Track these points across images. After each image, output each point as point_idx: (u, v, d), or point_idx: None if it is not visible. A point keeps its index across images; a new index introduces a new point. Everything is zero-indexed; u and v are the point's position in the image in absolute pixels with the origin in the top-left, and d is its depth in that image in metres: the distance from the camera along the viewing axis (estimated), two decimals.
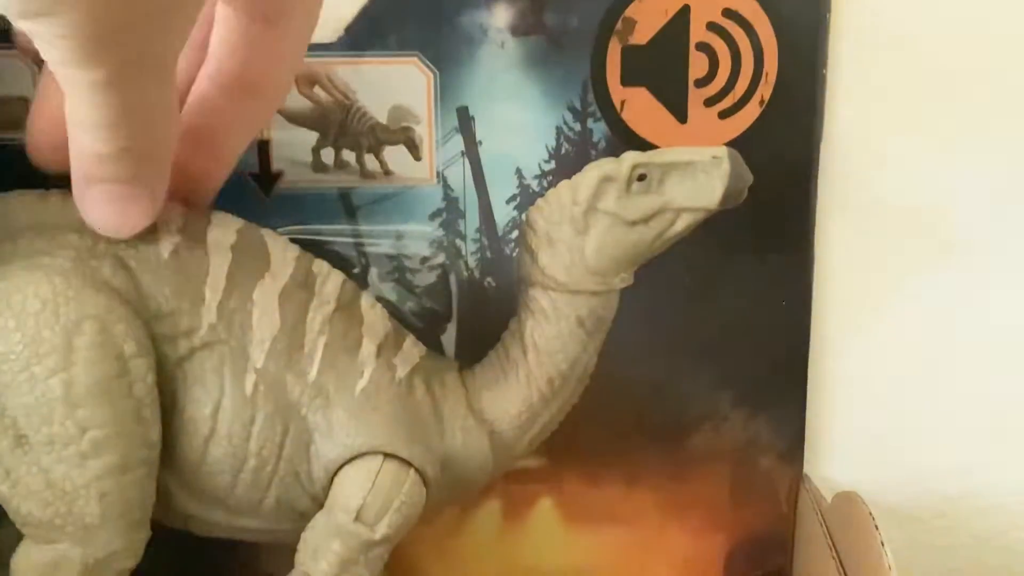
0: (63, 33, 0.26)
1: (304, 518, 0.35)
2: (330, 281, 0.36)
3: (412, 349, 0.37)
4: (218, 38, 0.33)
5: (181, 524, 0.35)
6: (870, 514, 0.38)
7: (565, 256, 0.35)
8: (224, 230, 0.34)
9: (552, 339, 0.36)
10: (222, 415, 0.33)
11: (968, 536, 0.49)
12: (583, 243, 0.35)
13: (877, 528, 0.38)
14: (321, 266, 0.36)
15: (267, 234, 0.35)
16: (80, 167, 0.31)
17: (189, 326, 0.33)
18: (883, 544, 0.37)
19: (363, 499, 0.34)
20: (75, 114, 0.29)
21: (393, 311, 0.42)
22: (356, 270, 0.42)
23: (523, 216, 0.37)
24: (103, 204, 0.31)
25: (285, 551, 0.35)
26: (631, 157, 0.35)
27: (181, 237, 0.33)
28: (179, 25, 0.28)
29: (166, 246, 0.33)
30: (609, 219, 0.35)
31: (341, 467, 0.34)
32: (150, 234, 0.33)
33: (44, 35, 0.26)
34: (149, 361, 0.32)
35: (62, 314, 0.30)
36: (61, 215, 0.32)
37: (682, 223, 0.35)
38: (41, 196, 0.33)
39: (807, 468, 0.45)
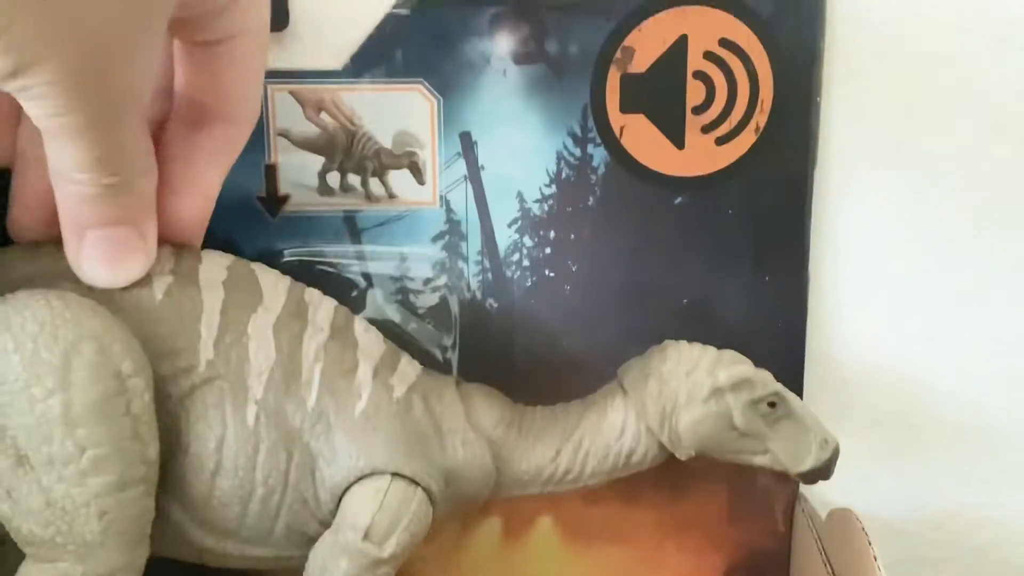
0: (44, 87, 0.27)
1: (314, 543, 0.35)
2: (322, 309, 0.36)
3: (408, 368, 0.37)
4: (179, 75, 0.33)
5: (196, 558, 0.35)
6: (864, 531, 0.39)
7: (668, 402, 0.37)
8: (215, 267, 0.35)
9: (598, 448, 0.38)
10: (226, 448, 0.33)
11: (964, 550, 0.49)
12: (687, 407, 0.37)
13: (871, 544, 0.38)
14: (312, 295, 0.36)
15: (257, 267, 0.36)
16: (70, 218, 0.31)
17: (187, 364, 0.33)
18: (876, 559, 0.37)
19: (371, 518, 0.34)
20: (59, 163, 0.30)
21: (396, 332, 0.42)
22: (359, 291, 0.42)
23: (664, 342, 0.39)
24: (98, 251, 0.32)
25: (290, 571, 0.36)
26: (779, 387, 0.37)
27: (173, 277, 0.34)
28: (148, 63, 0.29)
29: (159, 287, 0.33)
30: (722, 410, 0.37)
31: (348, 489, 0.35)
32: (143, 277, 0.33)
33: (27, 91, 0.27)
34: (147, 379, 0.32)
35: (60, 336, 0.30)
36: (54, 267, 0.33)
37: (760, 460, 0.38)
38: (32, 249, 0.33)
39: (803, 486, 0.45)
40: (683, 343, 0.38)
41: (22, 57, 0.26)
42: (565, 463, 0.38)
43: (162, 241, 0.34)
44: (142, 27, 0.28)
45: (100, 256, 0.32)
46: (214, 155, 0.34)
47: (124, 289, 0.33)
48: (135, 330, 0.32)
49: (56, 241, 0.32)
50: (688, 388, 0.37)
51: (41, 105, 0.27)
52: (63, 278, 0.32)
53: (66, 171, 0.30)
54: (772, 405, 0.37)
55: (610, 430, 0.38)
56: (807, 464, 0.37)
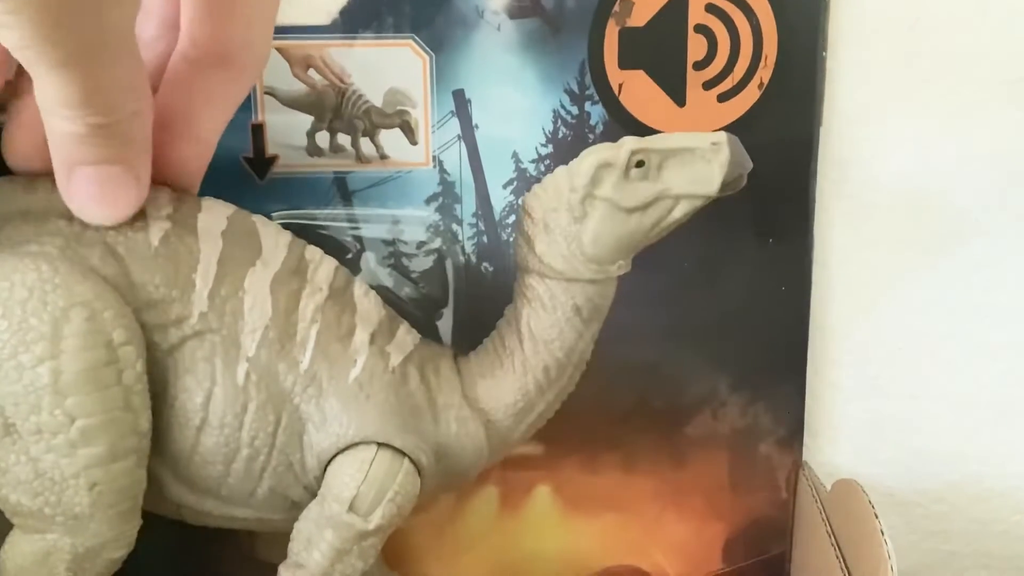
0: (18, 14, 0.25)
1: (297, 508, 0.35)
2: (323, 268, 0.35)
3: (406, 337, 0.37)
4: (184, 12, 0.32)
5: (174, 513, 0.35)
6: (870, 502, 0.38)
7: (562, 244, 0.35)
8: (214, 216, 0.34)
9: (548, 328, 0.36)
10: (214, 405, 0.33)
11: (967, 521, 0.49)
12: (580, 230, 0.35)
13: (877, 516, 0.37)
14: (314, 253, 0.36)
15: (259, 220, 0.35)
16: (59, 153, 0.30)
17: (179, 314, 0.33)
18: (883, 532, 0.37)
19: (356, 489, 0.33)
20: (44, 98, 0.29)
21: (389, 296, 0.42)
22: (351, 255, 0.42)
23: (519, 202, 0.37)
24: (87, 188, 0.31)
25: (279, 540, 0.35)
26: (629, 143, 0.34)
27: (171, 224, 0.33)
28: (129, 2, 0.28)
29: (155, 233, 0.33)
30: (607, 206, 0.34)
31: (334, 457, 0.34)
32: (139, 221, 0.32)
33: (1, 19, 0.26)
34: (139, 348, 0.31)
35: (49, 301, 0.30)
36: (49, 202, 0.32)
37: (680, 210, 0.35)
38: (28, 182, 0.33)
39: (806, 454, 0.45)
40: (535, 187, 0.36)
41: None
42: (535, 367, 0.36)
43: (159, 184, 0.33)
44: None
45: (90, 193, 0.31)
46: (215, 100, 0.33)
47: (119, 231, 0.32)
48: (128, 274, 0.32)
49: (53, 174, 0.31)
50: (565, 219, 0.35)
51: (14, 36, 0.26)
52: (58, 215, 0.32)
53: (51, 105, 0.29)
54: (640, 164, 0.34)
55: (543, 307, 0.36)
56: (717, 176, 0.34)
